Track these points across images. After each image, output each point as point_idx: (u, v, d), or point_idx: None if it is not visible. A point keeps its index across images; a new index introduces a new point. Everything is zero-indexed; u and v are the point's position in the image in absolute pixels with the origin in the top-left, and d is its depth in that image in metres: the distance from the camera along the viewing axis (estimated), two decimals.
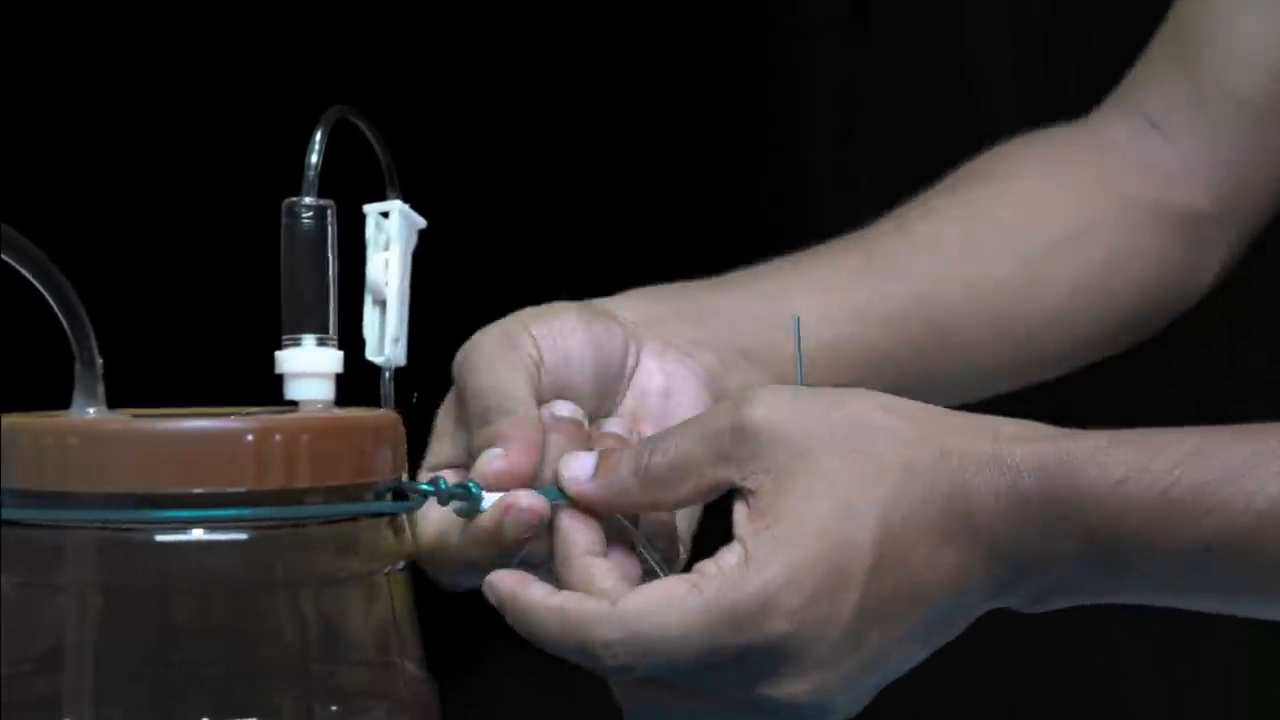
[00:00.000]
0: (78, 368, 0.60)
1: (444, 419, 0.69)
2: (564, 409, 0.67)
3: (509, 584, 0.63)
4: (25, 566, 0.59)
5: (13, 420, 0.59)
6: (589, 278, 0.78)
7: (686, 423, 0.64)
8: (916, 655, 0.63)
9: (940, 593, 0.61)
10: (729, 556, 0.61)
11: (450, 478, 0.65)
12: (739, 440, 0.62)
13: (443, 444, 0.69)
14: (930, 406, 0.64)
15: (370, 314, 0.66)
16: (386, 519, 0.63)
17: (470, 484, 0.63)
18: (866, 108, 1.32)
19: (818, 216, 1.29)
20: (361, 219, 0.66)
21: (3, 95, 1.14)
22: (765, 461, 0.61)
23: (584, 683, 0.64)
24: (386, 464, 0.62)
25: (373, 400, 0.65)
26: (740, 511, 0.62)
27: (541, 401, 0.67)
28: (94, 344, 0.60)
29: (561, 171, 1.26)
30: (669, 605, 0.60)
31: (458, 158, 1.19)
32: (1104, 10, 1.28)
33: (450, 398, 0.69)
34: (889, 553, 0.61)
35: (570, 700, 1.00)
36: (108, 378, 0.59)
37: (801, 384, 0.67)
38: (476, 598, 0.64)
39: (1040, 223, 0.83)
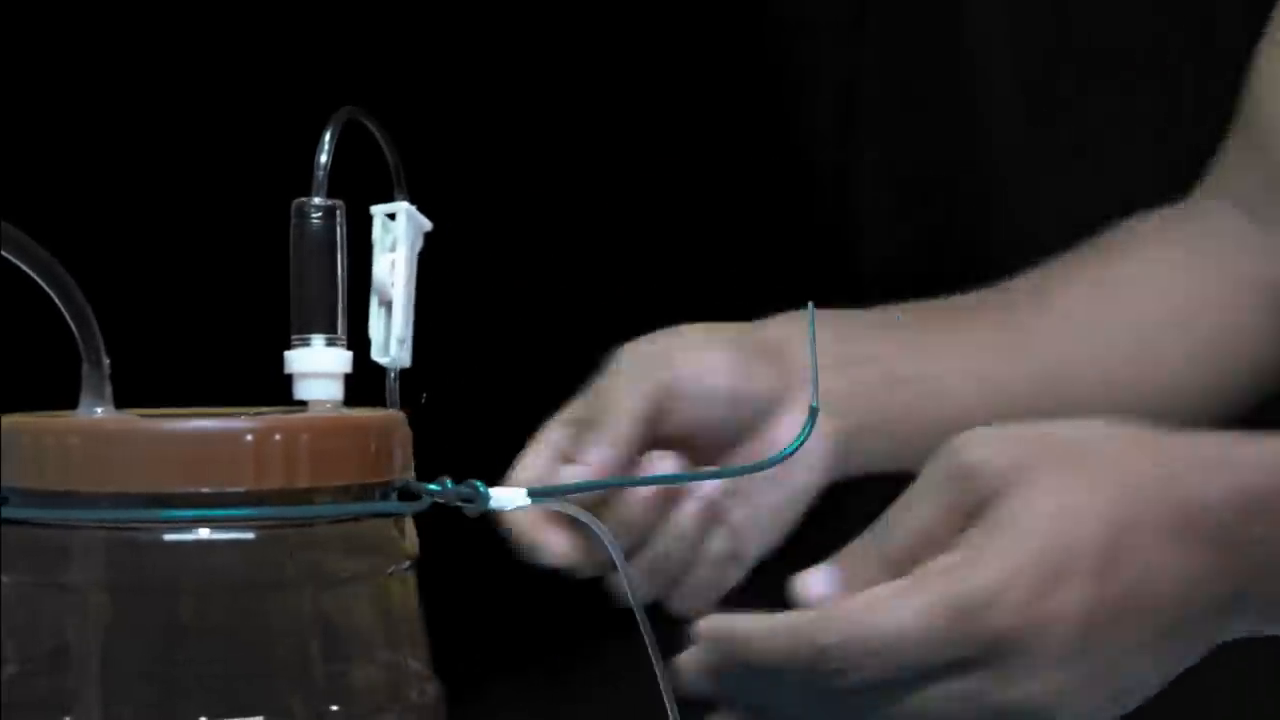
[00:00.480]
0: (84, 368, 0.59)
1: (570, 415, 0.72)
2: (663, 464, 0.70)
3: (717, 623, 0.63)
4: (30, 566, 0.59)
5: (14, 420, 0.59)
6: (591, 278, 0.78)
7: (909, 497, 0.64)
8: (1149, 675, 0.62)
9: (1171, 595, 0.61)
10: (947, 557, 0.60)
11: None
12: (964, 488, 0.62)
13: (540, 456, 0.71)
14: (1148, 425, 0.64)
15: (376, 315, 0.66)
16: (392, 519, 0.63)
17: (478, 483, 0.63)
18: (867, 108, 1.32)
19: (818, 216, 1.29)
20: (369, 220, 0.66)
21: (9, 94, 1.14)
22: (990, 493, 0.61)
23: (587, 684, 0.64)
24: (392, 464, 0.62)
25: (382, 401, 0.65)
26: (969, 529, 0.62)
27: (663, 430, 0.71)
28: (100, 343, 0.59)
29: (566, 172, 1.26)
30: (892, 603, 0.60)
31: (465, 160, 1.19)
32: (1104, 10, 1.28)
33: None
34: (1115, 555, 0.60)
35: (573, 701, 1.00)
36: (117, 379, 0.59)
37: (815, 378, 0.68)
38: (477, 598, 0.64)
39: (1157, 302, 0.86)
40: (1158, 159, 1.24)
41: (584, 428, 0.72)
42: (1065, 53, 1.30)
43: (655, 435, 0.73)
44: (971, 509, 0.62)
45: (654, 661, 0.66)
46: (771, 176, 1.33)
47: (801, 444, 0.68)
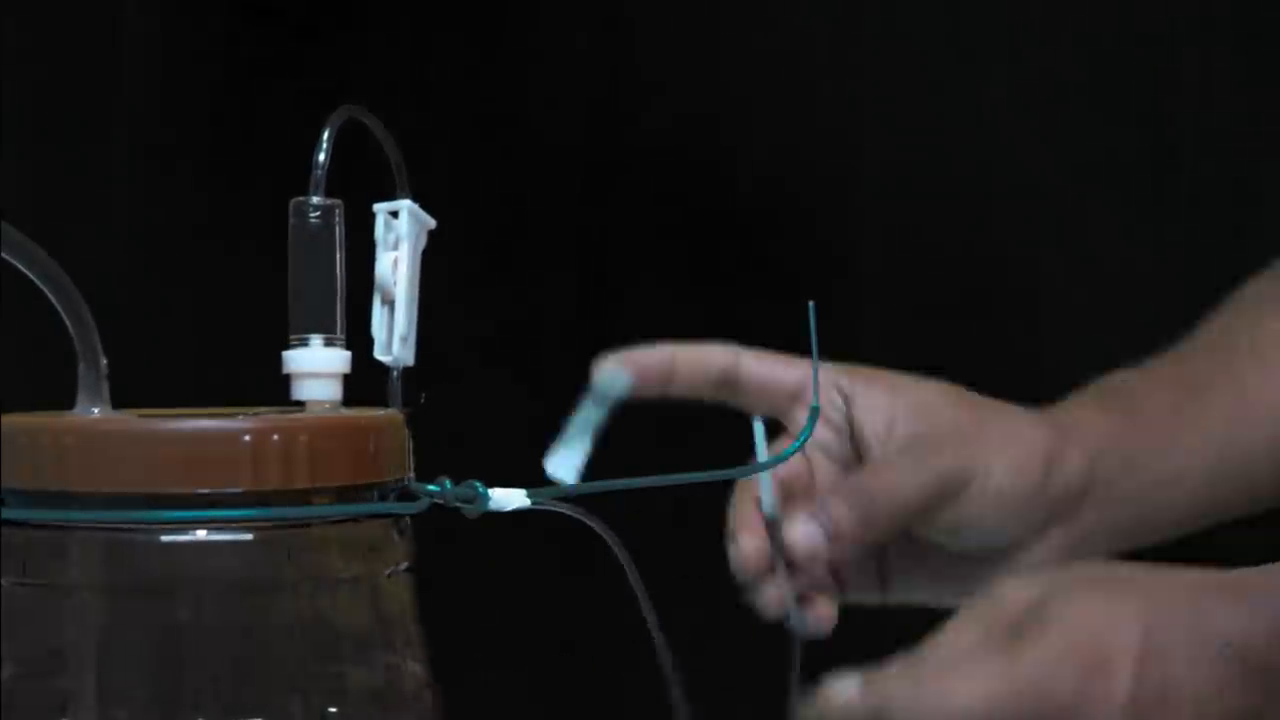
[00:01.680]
0: (81, 367, 0.59)
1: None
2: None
3: (859, 689, 0.63)
4: (27, 567, 0.59)
5: (12, 420, 0.59)
6: (595, 277, 0.78)
7: (948, 626, 0.65)
8: None
9: (1198, 704, 0.62)
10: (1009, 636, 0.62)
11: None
12: (1005, 610, 0.64)
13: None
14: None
15: (378, 313, 0.66)
16: (391, 520, 0.62)
17: (477, 484, 0.63)
18: (867, 108, 1.32)
19: (819, 216, 1.29)
20: (371, 219, 0.66)
21: (8, 93, 1.14)
22: (1028, 605, 0.63)
23: (586, 685, 0.64)
24: (391, 464, 0.62)
25: (382, 401, 0.65)
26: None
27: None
28: (97, 343, 0.59)
29: (569, 171, 1.26)
30: (968, 663, 0.62)
31: (468, 157, 1.19)
32: (1104, 10, 1.28)
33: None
34: (1152, 648, 0.62)
35: (572, 703, 1.00)
36: (115, 379, 0.59)
37: (816, 373, 0.68)
38: (478, 598, 0.64)
39: None
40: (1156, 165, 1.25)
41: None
42: (1065, 53, 1.30)
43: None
44: (1013, 626, 0.63)
45: (662, 660, 0.67)
46: (772, 176, 1.33)
47: (802, 445, 0.69)
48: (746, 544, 0.72)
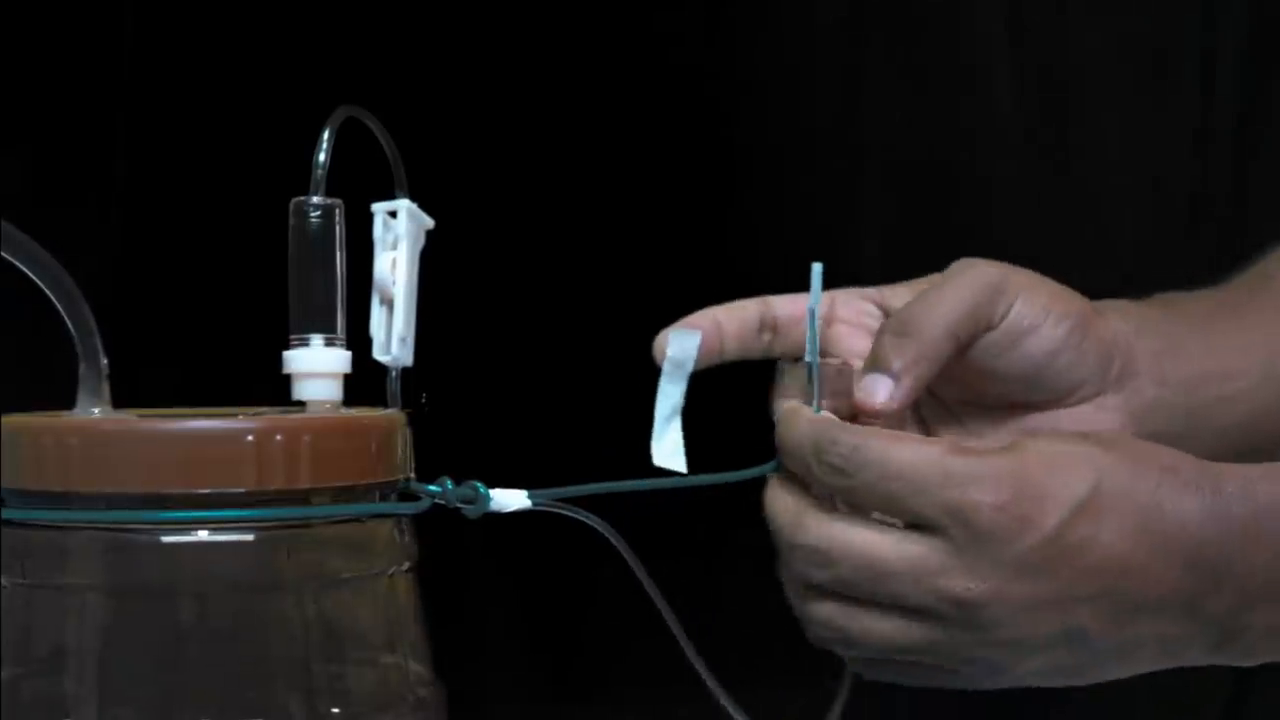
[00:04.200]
0: (82, 367, 0.59)
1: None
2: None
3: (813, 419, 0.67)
4: (29, 567, 0.59)
5: (13, 420, 0.59)
6: (595, 277, 0.78)
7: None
8: (1106, 661, 0.66)
9: (1121, 582, 0.63)
10: (970, 441, 0.67)
11: None
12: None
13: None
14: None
15: (377, 313, 0.66)
16: (393, 519, 0.62)
17: (478, 484, 0.63)
18: (867, 107, 1.32)
19: (819, 216, 1.29)
20: (370, 218, 0.66)
21: (8, 93, 1.14)
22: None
23: (588, 685, 0.64)
24: (392, 464, 0.62)
25: (382, 401, 0.65)
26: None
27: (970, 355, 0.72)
28: (98, 343, 0.59)
29: (569, 170, 1.26)
30: (904, 438, 0.65)
31: (466, 157, 1.19)
32: (1104, 10, 1.28)
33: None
34: (1085, 516, 0.63)
35: (574, 702, 1.00)
36: (115, 379, 0.59)
37: (817, 383, 0.68)
38: (479, 599, 0.64)
39: None
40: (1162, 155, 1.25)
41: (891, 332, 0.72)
42: (1066, 52, 1.30)
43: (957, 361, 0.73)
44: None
45: (682, 644, 0.68)
46: (771, 176, 1.33)
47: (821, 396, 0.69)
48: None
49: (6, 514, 0.59)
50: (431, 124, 1.14)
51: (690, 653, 0.67)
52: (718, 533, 0.78)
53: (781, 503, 0.67)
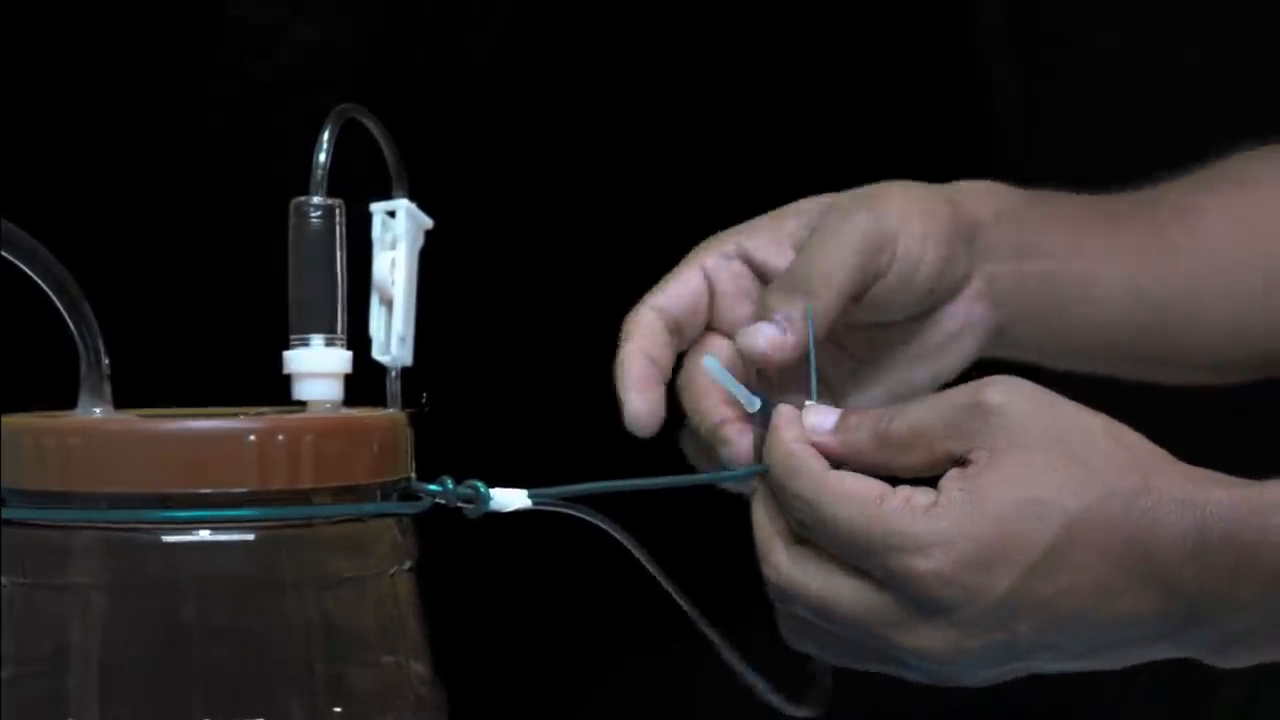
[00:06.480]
0: (83, 367, 0.59)
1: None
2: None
3: (792, 429, 0.66)
4: (30, 567, 0.59)
5: (14, 420, 0.59)
6: (595, 277, 0.77)
7: (928, 397, 0.67)
8: (1067, 663, 0.65)
9: (1104, 619, 0.63)
10: (921, 497, 0.63)
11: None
12: (972, 417, 0.64)
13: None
14: (1151, 444, 0.65)
15: (377, 313, 0.66)
16: (394, 519, 0.62)
17: (479, 484, 0.63)
18: (869, 107, 1.32)
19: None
20: (369, 218, 0.66)
21: (7, 92, 1.14)
22: (988, 439, 0.64)
23: (589, 685, 0.64)
24: (394, 464, 0.62)
25: (381, 401, 0.65)
26: (952, 472, 0.64)
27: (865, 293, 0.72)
28: (100, 343, 0.59)
29: (569, 170, 1.26)
30: (856, 495, 0.63)
31: (465, 157, 1.19)
32: (1104, 10, 1.28)
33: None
34: (1058, 560, 0.62)
35: (576, 702, 1.00)
36: (116, 378, 0.59)
37: (816, 381, 0.68)
38: (481, 599, 0.64)
39: None
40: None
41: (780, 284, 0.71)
42: (1066, 52, 1.30)
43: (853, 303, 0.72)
44: (966, 443, 0.64)
45: (710, 636, 0.68)
46: (771, 177, 1.33)
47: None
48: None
49: (7, 514, 0.59)
50: (431, 124, 1.14)
51: (717, 640, 0.67)
52: (716, 531, 0.78)
53: (757, 523, 0.67)
